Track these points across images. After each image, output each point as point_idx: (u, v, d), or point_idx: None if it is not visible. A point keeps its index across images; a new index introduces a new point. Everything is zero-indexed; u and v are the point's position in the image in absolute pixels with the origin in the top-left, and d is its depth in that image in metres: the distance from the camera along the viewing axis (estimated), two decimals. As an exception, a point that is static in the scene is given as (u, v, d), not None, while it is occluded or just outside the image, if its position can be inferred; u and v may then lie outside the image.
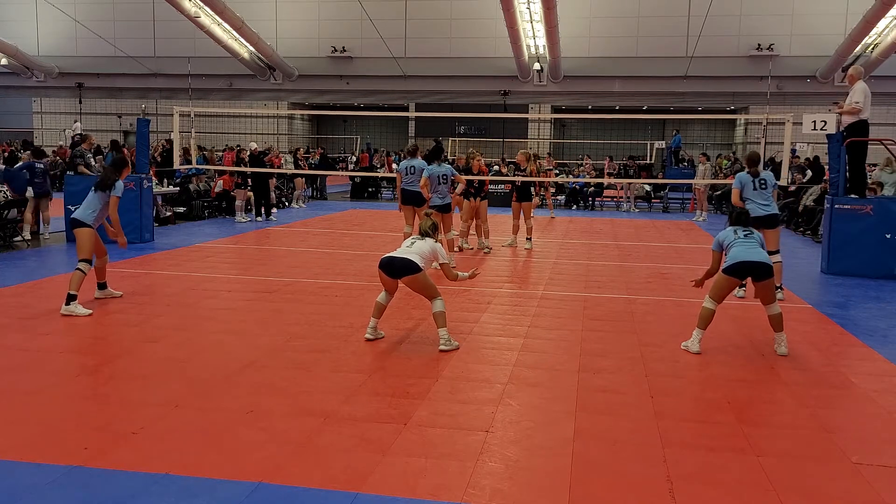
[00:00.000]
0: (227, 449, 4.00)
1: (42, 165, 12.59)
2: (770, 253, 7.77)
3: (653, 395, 5.00)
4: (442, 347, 5.94)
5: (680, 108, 32.44)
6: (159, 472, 3.68)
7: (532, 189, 12.35)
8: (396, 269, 5.98)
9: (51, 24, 33.77)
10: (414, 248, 6.10)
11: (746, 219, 6.46)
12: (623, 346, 6.27)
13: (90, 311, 6.94)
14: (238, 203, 15.83)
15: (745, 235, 6.17)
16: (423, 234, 6.31)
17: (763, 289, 5.99)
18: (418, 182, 10.00)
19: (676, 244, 13.41)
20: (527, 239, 12.08)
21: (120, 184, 7.46)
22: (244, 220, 15.42)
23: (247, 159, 15.95)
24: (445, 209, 10.01)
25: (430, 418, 4.49)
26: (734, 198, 8.13)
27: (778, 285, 7.90)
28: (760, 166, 8.26)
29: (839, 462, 4.03)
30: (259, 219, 15.86)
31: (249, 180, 16.12)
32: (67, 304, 6.89)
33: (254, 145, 17.01)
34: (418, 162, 10.22)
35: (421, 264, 5.98)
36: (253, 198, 16.04)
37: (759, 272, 5.95)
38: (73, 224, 7.34)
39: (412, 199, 10.09)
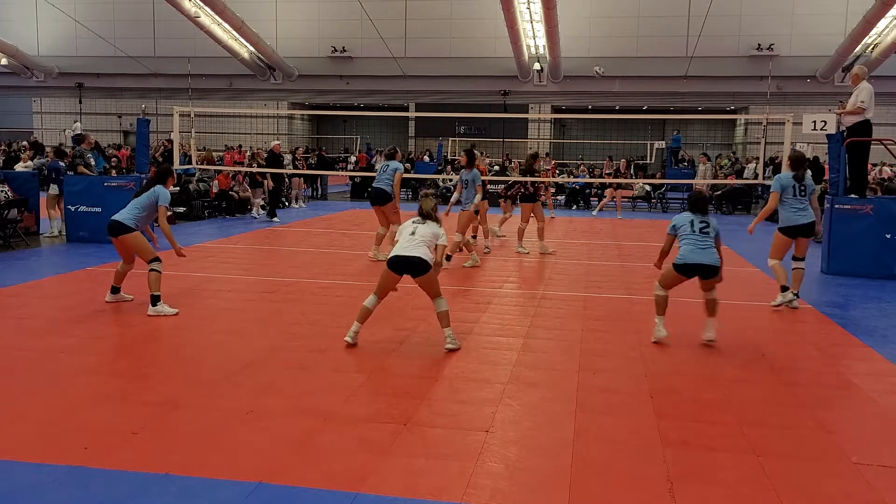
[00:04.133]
0: (227, 449, 4.00)
1: (64, 164, 12.74)
2: (797, 259, 7.76)
3: (653, 395, 5.00)
4: (448, 346, 5.88)
5: (680, 108, 32.45)
6: (159, 472, 3.68)
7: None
8: (409, 268, 5.79)
9: (51, 24, 33.78)
10: (418, 240, 5.80)
11: (704, 206, 6.26)
12: (623, 346, 6.27)
13: (176, 311, 6.94)
14: (256, 201, 16.44)
15: (701, 229, 6.10)
16: (425, 215, 5.99)
17: (706, 280, 6.13)
18: (388, 181, 10.18)
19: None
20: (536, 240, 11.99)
21: (166, 192, 7.28)
22: (258, 217, 15.96)
23: (264, 158, 16.35)
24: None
25: (430, 418, 4.48)
26: (772, 202, 7.56)
27: (795, 292, 7.71)
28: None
29: (839, 462, 4.03)
30: (258, 216, 16.01)
31: (259, 178, 16.56)
32: (154, 304, 6.88)
33: (276, 143, 17.10)
34: (394, 163, 10.46)
35: (430, 259, 5.78)
36: (269, 196, 16.35)
37: (705, 273, 6.04)
38: (117, 229, 7.01)
39: (377, 198, 10.27)
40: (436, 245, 5.94)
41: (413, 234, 5.88)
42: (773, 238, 7.79)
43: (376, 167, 12.32)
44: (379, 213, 10.47)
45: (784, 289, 7.70)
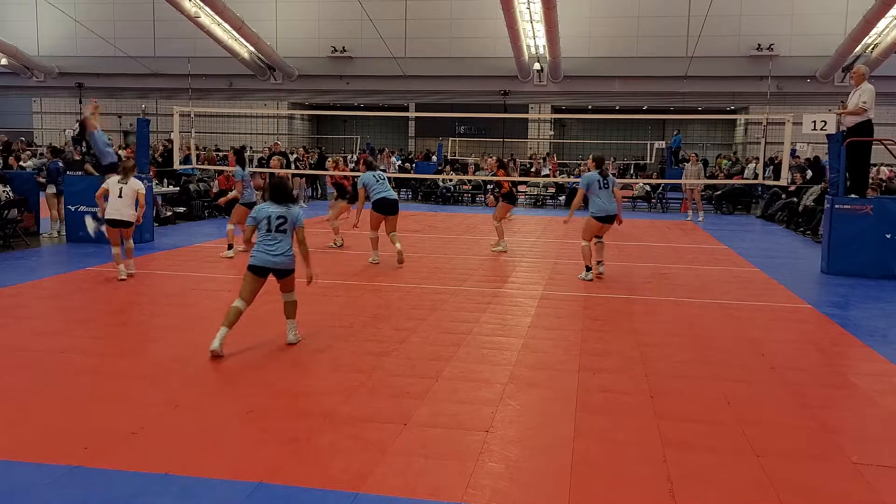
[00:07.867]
0: (227, 449, 4.00)
1: (62, 164, 12.78)
2: (599, 237, 9.41)
3: (653, 395, 5.00)
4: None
5: (680, 108, 32.45)
6: (159, 472, 3.68)
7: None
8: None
9: (51, 24, 33.79)
10: (127, 200, 6.87)
11: (285, 195, 6.09)
12: (623, 346, 6.27)
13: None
14: (296, 192, 17.39)
15: (278, 227, 5.88)
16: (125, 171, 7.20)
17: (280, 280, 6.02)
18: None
19: (676, 244, 13.41)
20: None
21: None
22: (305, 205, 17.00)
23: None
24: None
25: (430, 418, 4.48)
26: (578, 196, 9.17)
27: (600, 260, 9.48)
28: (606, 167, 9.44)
29: (839, 462, 4.03)
30: None
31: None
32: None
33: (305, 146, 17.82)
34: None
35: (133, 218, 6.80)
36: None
37: (278, 273, 5.93)
38: None
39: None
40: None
41: (120, 195, 6.43)
42: (586, 224, 9.25)
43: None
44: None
45: (588, 268, 9.24)
